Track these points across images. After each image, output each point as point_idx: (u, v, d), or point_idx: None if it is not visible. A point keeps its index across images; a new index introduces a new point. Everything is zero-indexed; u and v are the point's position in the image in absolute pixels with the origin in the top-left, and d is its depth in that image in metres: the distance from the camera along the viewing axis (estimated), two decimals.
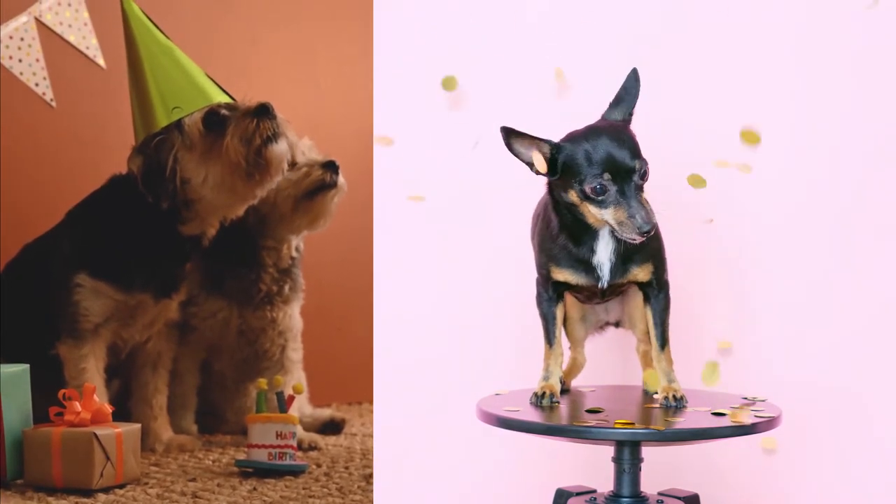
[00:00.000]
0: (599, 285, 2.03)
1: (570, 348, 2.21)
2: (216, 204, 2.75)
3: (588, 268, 2.02)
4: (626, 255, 2.00)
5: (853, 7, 2.47)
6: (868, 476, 2.48)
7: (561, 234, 2.03)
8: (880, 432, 2.47)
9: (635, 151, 1.93)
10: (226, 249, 2.96)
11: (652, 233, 1.91)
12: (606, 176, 1.91)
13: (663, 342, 2.07)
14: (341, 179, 2.97)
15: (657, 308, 2.06)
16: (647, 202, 1.92)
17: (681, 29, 2.55)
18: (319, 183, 2.94)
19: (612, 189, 1.91)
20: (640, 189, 1.92)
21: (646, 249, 2.01)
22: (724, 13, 2.53)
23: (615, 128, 1.96)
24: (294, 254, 3.08)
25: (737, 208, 2.51)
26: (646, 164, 1.93)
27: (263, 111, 2.70)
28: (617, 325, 2.24)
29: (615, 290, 2.09)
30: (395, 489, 2.65)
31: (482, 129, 2.03)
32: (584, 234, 2.00)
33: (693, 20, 2.55)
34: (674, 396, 2.05)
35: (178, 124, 2.68)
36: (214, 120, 2.70)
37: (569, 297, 2.16)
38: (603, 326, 2.25)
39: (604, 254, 2.00)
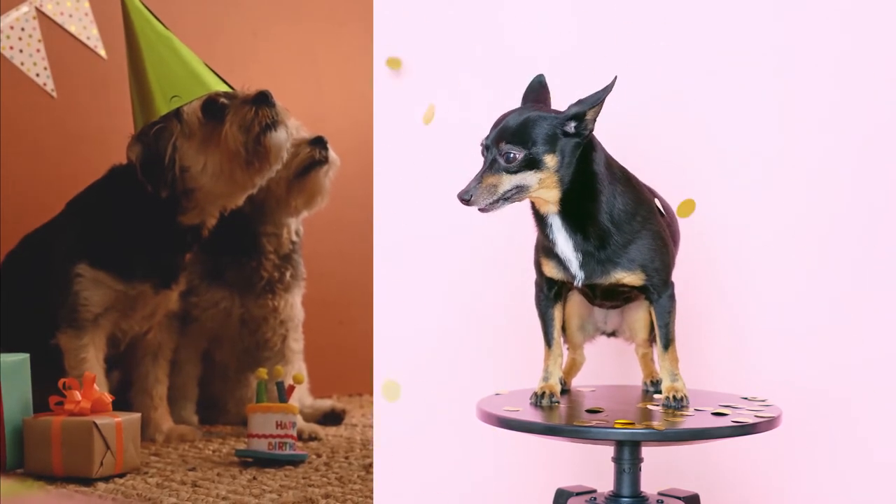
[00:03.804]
0: (576, 283, 2.02)
1: (568, 350, 2.21)
2: (215, 192, 2.75)
3: (560, 260, 2.02)
4: (604, 256, 1.99)
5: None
6: (867, 476, 2.48)
7: (535, 220, 2.04)
8: (879, 433, 2.47)
9: (508, 135, 1.93)
10: (226, 239, 2.96)
11: (468, 203, 1.92)
12: (485, 141, 1.96)
13: (667, 342, 2.06)
14: (332, 154, 2.98)
15: (660, 310, 2.05)
16: (493, 185, 1.92)
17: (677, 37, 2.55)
18: (309, 160, 2.95)
19: (487, 156, 1.95)
20: (500, 169, 1.92)
21: (633, 256, 2.00)
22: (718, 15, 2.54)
23: (527, 110, 1.97)
24: (294, 238, 3.08)
25: (739, 209, 2.51)
26: (514, 151, 1.92)
27: (262, 99, 2.70)
28: (613, 334, 2.24)
29: (614, 295, 2.08)
30: (395, 486, 2.65)
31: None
32: (539, 217, 2.01)
33: (687, 26, 2.55)
34: (674, 397, 2.05)
35: (177, 113, 2.68)
36: (213, 108, 2.70)
37: (571, 304, 2.16)
38: (597, 335, 2.24)
39: (565, 247, 2.00)
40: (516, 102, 2.05)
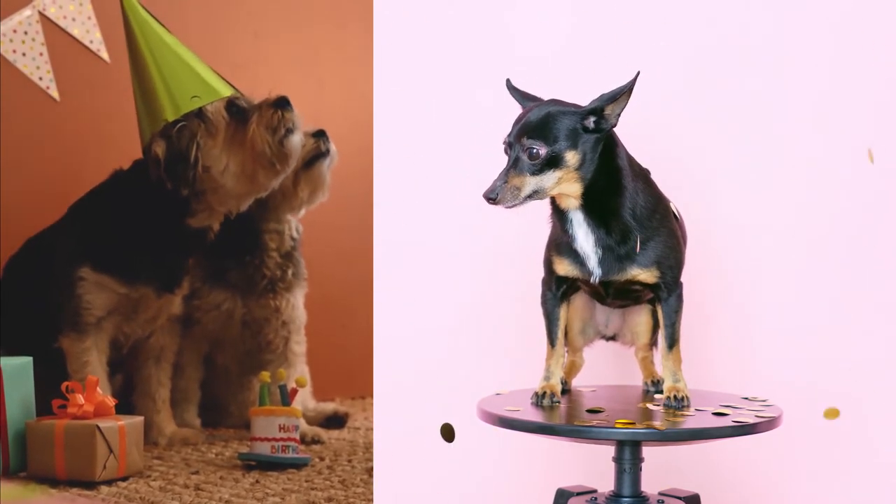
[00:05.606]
0: (592, 280, 2.02)
1: (567, 352, 2.21)
2: (234, 193, 2.77)
3: (578, 257, 2.01)
4: (622, 252, 1.99)
5: None
6: (867, 476, 2.48)
7: (553, 214, 2.04)
8: (879, 433, 2.47)
9: (530, 130, 1.92)
10: (228, 240, 2.97)
11: (494, 202, 1.90)
12: (507, 139, 1.94)
13: (672, 342, 2.06)
14: (333, 147, 3.02)
15: (667, 310, 2.05)
16: (516, 187, 1.90)
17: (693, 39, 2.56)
18: (315, 151, 3.00)
19: (510, 153, 1.93)
20: (524, 167, 1.91)
21: (649, 253, 2.00)
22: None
23: (548, 105, 1.96)
24: (294, 234, 3.10)
25: (739, 210, 2.51)
26: (537, 146, 1.90)
27: (285, 103, 2.73)
28: (613, 338, 2.24)
29: (622, 294, 2.08)
30: (396, 486, 2.65)
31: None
32: (559, 212, 2.01)
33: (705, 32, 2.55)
34: (675, 396, 2.05)
35: (199, 112, 2.69)
36: (235, 110, 2.73)
37: (573, 307, 2.16)
38: (597, 339, 2.24)
39: (585, 242, 1.99)
40: (517, 106, 2.05)
